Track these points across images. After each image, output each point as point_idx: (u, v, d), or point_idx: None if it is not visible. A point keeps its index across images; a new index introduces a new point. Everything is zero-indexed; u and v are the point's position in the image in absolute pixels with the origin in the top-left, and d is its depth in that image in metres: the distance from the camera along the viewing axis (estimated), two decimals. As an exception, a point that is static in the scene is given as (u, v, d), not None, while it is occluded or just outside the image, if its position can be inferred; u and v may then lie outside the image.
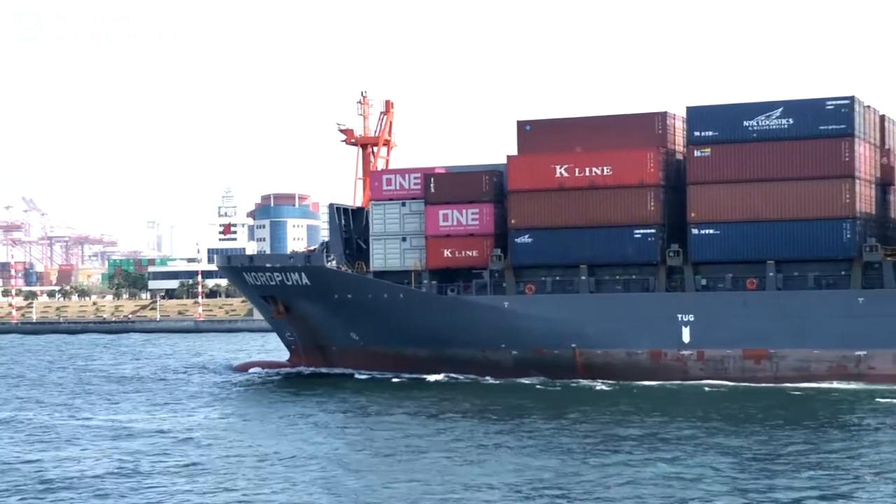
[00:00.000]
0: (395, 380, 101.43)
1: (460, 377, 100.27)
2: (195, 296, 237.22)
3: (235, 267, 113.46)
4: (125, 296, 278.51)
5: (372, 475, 56.55)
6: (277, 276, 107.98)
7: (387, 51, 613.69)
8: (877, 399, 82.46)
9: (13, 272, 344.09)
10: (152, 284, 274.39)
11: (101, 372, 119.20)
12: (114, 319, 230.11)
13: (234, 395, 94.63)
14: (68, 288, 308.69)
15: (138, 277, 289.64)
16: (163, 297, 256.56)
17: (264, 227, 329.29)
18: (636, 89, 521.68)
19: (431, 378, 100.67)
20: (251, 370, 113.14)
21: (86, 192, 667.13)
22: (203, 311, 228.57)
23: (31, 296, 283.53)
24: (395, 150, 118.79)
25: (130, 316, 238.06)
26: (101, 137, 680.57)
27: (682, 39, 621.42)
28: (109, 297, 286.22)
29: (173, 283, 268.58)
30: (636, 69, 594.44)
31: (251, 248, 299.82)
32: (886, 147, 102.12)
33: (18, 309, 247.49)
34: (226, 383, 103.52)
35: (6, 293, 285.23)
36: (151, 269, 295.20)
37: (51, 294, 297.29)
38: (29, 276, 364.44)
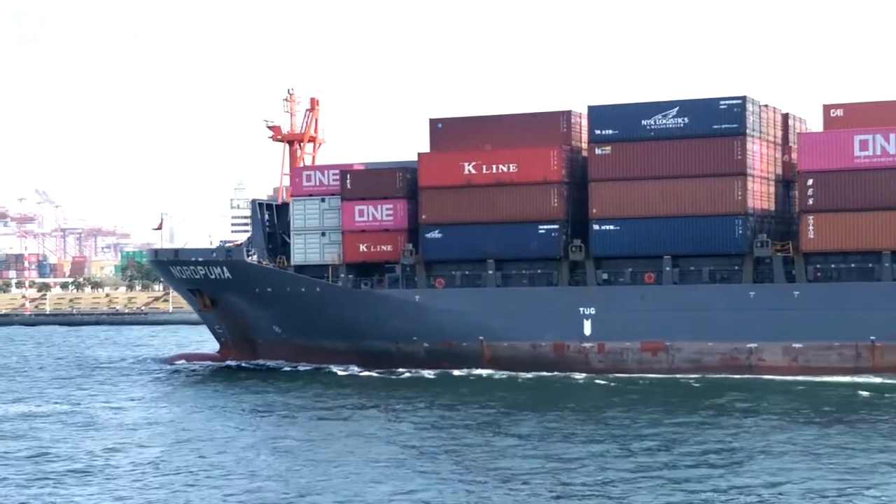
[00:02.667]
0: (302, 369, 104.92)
1: (373, 370, 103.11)
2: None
3: (162, 261, 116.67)
4: (138, 287, 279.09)
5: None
6: (201, 270, 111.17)
7: (315, 49, 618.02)
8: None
9: (26, 264, 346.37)
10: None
11: (50, 360, 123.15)
12: (126, 311, 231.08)
13: (144, 387, 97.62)
14: (81, 280, 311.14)
15: (151, 269, 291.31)
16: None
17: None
18: (547, 88, 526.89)
19: (341, 371, 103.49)
20: (178, 362, 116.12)
21: (99, 185, 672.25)
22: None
23: (44, 287, 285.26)
24: (323, 147, 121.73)
25: (143, 308, 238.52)
26: (113, 132, 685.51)
27: (590, 39, 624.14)
28: (122, 289, 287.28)
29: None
30: (546, 68, 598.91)
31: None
32: (789, 144, 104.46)
33: (32, 300, 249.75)
34: (146, 375, 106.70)
35: (20, 285, 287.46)
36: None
37: (64, 286, 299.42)
38: (42, 267, 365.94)
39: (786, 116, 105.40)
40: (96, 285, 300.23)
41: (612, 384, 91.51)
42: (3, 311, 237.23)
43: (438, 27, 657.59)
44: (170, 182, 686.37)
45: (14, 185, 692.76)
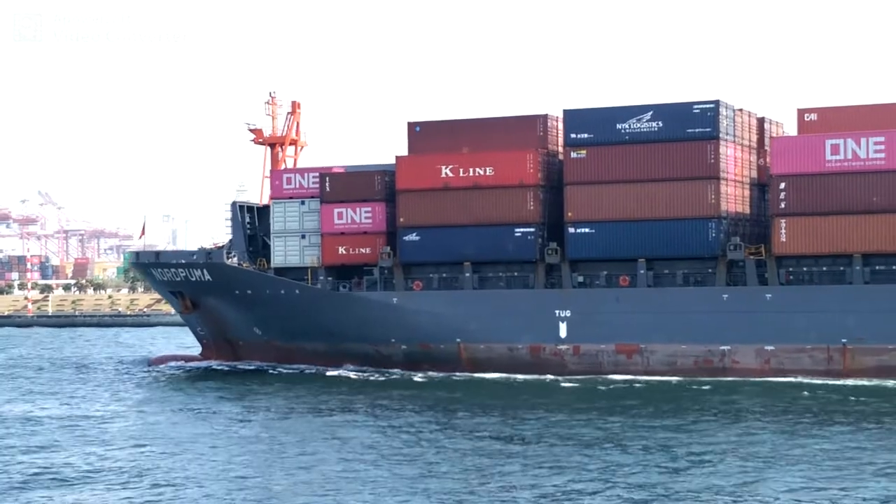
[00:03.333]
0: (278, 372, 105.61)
1: (352, 373, 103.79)
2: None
3: (143, 263, 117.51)
4: (140, 289, 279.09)
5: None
6: (182, 273, 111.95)
7: (298, 53, 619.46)
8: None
9: (29, 265, 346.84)
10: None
11: (38, 361, 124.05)
12: (129, 313, 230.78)
13: (121, 389, 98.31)
14: (84, 281, 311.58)
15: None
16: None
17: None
18: (525, 92, 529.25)
19: (331, 373, 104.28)
20: (160, 364, 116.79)
21: (101, 187, 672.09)
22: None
23: (46, 289, 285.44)
24: (305, 150, 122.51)
25: (146, 309, 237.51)
26: (116, 133, 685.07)
27: (568, 43, 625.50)
28: (125, 291, 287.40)
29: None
30: (525, 72, 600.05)
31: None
32: (765, 148, 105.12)
33: (34, 302, 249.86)
34: (127, 377, 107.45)
35: (22, 286, 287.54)
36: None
37: (66, 287, 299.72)
38: (45, 269, 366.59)
39: (761, 120, 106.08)
40: (99, 287, 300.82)
41: (581, 385, 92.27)
42: (6, 313, 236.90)
43: (419, 32, 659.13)
44: (173, 184, 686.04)
45: (16, 187, 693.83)
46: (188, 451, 64.36)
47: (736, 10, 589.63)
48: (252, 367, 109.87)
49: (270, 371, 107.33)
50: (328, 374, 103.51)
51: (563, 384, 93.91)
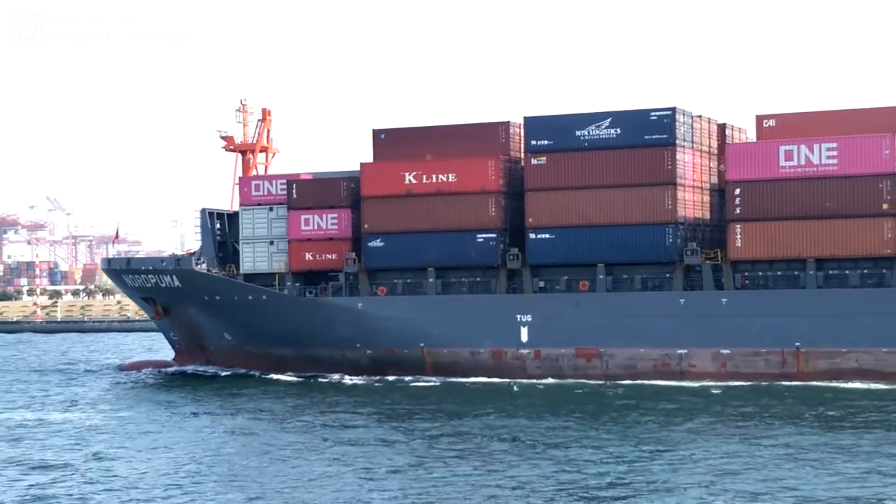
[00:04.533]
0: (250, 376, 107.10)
1: (320, 377, 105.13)
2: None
3: (115, 269, 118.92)
4: None
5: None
6: (152, 279, 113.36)
7: (270, 61, 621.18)
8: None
9: (38, 271, 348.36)
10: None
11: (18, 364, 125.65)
12: (137, 318, 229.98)
13: (88, 392, 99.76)
14: (93, 287, 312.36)
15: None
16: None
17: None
18: (491, 99, 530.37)
19: (286, 378, 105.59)
20: (131, 370, 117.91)
21: (110, 192, 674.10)
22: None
23: (55, 295, 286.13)
24: (277, 157, 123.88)
25: None
26: (119, 136, 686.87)
27: (533, 50, 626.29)
28: None
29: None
30: (490, 80, 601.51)
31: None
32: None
33: (43, 308, 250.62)
34: (100, 380, 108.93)
35: (31, 292, 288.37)
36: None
37: (75, 293, 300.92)
38: (53, 275, 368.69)
39: (723, 126, 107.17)
40: (107, 292, 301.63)
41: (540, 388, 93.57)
42: (15, 319, 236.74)
43: (386, 41, 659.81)
44: (181, 189, 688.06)
45: (25, 193, 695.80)
46: (141, 452, 65.79)
47: (701, 18, 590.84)
48: (227, 373, 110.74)
49: (241, 375, 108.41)
50: (285, 378, 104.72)
51: (576, 390, 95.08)
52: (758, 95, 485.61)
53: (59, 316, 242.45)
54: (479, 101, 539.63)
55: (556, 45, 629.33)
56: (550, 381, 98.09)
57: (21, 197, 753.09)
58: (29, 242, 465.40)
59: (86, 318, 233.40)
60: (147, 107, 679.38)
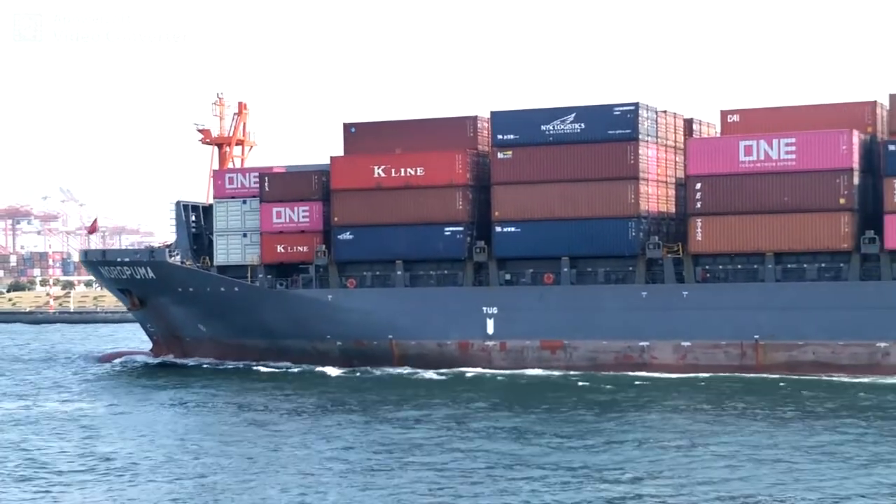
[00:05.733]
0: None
1: (293, 367, 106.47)
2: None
3: (91, 261, 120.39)
4: None
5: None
6: (127, 271, 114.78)
7: (249, 54, 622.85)
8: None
9: (51, 262, 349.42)
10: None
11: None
12: None
13: (64, 382, 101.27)
14: None
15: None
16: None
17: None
18: (462, 94, 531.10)
19: (264, 369, 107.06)
20: (109, 361, 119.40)
21: (121, 184, 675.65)
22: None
23: (68, 285, 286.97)
24: (255, 150, 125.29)
25: None
26: (134, 129, 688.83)
27: (506, 43, 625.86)
28: None
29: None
30: (462, 74, 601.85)
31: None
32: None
33: (56, 298, 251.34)
34: (79, 372, 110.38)
35: (44, 283, 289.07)
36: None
37: (88, 284, 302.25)
38: (66, 265, 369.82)
39: (690, 122, 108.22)
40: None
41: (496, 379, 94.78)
42: (28, 309, 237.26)
43: (361, 37, 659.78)
44: (192, 181, 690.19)
45: (38, 184, 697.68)
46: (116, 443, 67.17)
47: (670, 13, 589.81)
48: (202, 364, 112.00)
49: (215, 368, 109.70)
50: (263, 369, 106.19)
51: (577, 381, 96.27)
52: (729, 90, 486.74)
53: (72, 306, 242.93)
54: (451, 96, 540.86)
55: (530, 40, 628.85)
56: (513, 372, 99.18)
57: (34, 188, 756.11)
58: (41, 233, 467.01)
59: (98, 309, 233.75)
60: (147, 102, 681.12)
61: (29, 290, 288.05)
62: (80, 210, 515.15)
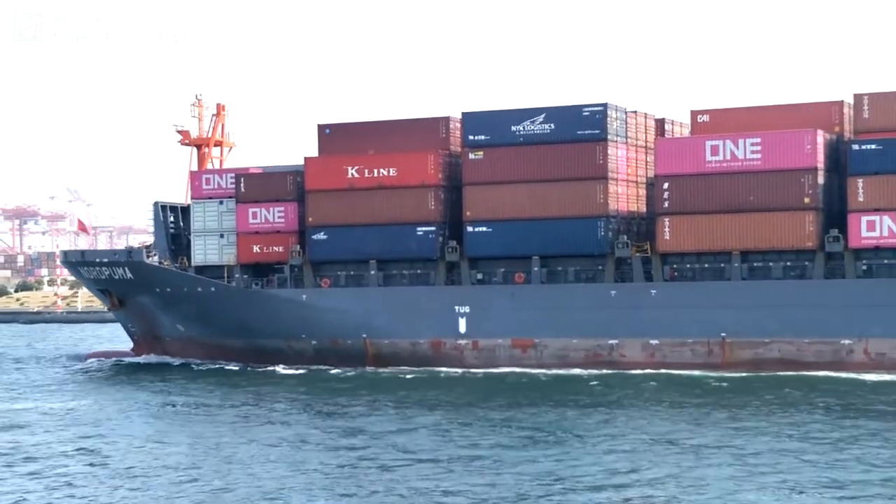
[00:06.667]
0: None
1: (269, 367, 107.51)
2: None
3: (71, 261, 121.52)
4: None
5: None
6: (106, 271, 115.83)
7: (230, 55, 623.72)
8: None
9: (58, 262, 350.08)
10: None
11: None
12: None
13: (42, 382, 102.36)
14: None
15: None
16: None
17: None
18: (437, 94, 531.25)
19: (233, 367, 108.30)
20: (93, 360, 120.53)
21: (126, 184, 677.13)
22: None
23: (76, 285, 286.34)
24: (234, 151, 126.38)
25: None
26: (132, 130, 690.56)
27: (483, 43, 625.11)
28: None
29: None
30: (438, 75, 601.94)
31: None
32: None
33: (64, 298, 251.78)
34: (60, 371, 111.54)
35: (52, 283, 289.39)
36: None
37: None
38: None
39: (661, 122, 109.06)
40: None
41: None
42: (36, 309, 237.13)
43: (339, 39, 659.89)
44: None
45: (45, 184, 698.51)
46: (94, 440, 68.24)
47: (644, 15, 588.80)
48: (180, 363, 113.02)
49: (193, 367, 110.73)
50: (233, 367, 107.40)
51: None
52: (702, 91, 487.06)
53: (79, 306, 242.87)
54: (425, 97, 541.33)
55: (505, 40, 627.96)
56: (488, 370, 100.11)
57: (41, 188, 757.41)
58: (47, 233, 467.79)
59: (106, 308, 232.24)
60: (147, 102, 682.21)
61: (37, 289, 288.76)
62: (87, 210, 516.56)
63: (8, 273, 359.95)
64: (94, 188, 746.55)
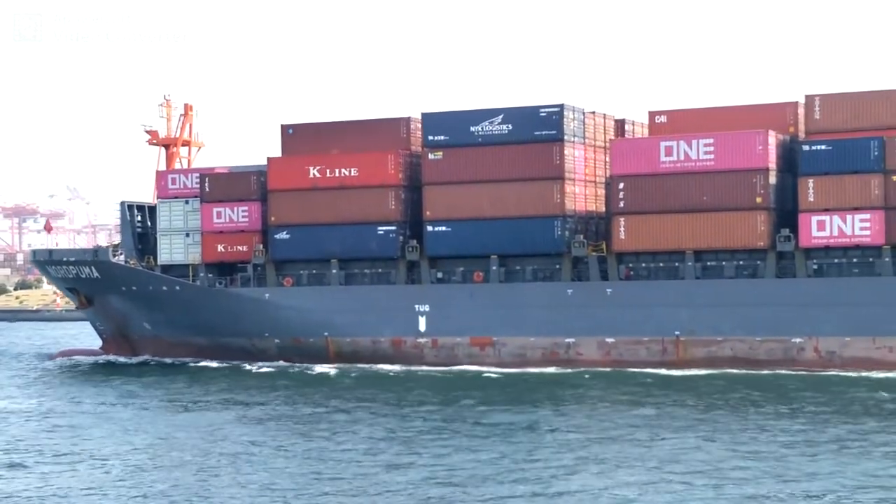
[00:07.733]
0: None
1: (229, 363, 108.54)
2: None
3: (39, 260, 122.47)
4: None
5: None
6: (73, 270, 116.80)
7: (200, 56, 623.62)
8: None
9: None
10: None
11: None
12: None
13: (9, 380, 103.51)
14: None
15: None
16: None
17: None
18: (402, 95, 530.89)
19: (203, 364, 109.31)
20: (62, 358, 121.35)
21: (125, 183, 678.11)
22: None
23: None
24: (203, 150, 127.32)
25: None
26: (131, 129, 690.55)
27: (447, 43, 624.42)
28: None
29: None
30: (397, 74, 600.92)
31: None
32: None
33: (63, 297, 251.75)
34: (20, 369, 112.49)
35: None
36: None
37: None
38: None
39: (622, 122, 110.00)
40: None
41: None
42: (35, 308, 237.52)
43: (301, 39, 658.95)
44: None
45: (44, 182, 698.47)
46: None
47: (607, 17, 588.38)
48: (152, 362, 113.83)
49: (165, 363, 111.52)
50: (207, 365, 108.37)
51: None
52: (662, 92, 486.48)
53: None
54: (387, 97, 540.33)
55: (467, 41, 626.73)
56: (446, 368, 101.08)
57: (40, 186, 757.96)
58: (48, 231, 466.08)
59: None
60: (147, 102, 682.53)
61: (36, 288, 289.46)
62: (86, 208, 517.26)
63: (7, 271, 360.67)
64: (94, 186, 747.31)
